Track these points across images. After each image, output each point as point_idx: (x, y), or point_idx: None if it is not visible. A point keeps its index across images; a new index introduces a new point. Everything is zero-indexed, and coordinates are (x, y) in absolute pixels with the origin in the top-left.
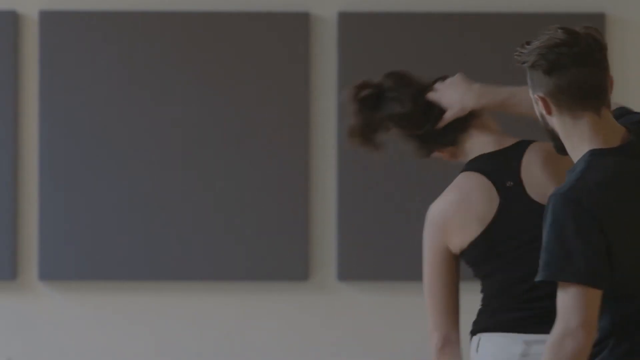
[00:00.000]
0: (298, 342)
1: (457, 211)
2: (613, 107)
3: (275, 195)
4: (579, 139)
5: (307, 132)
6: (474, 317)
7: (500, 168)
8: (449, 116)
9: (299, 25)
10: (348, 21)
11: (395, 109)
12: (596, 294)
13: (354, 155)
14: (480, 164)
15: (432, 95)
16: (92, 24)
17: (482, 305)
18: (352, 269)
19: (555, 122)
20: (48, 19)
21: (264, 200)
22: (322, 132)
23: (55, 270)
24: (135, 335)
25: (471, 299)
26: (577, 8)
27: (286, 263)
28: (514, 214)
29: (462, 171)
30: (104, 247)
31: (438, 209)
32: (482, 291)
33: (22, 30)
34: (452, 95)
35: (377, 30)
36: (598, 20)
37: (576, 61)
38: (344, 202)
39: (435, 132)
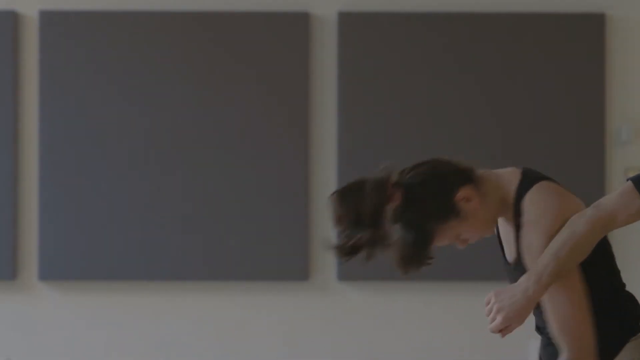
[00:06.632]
0: (298, 342)
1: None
2: None
3: (275, 196)
4: None
5: (307, 131)
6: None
7: None
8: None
9: (299, 25)
10: (348, 21)
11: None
12: None
13: (354, 155)
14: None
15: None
16: (92, 24)
17: None
18: (352, 269)
19: None
20: (48, 19)
21: (264, 201)
22: (322, 131)
23: (55, 270)
24: (134, 335)
25: (470, 299)
26: (577, 8)
27: (286, 263)
28: None
29: (532, 185)
30: (103, 247)
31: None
32: None
33: (22, 30)
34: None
35: (376, 30)
36: (598, 20)
37: None
38: None
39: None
